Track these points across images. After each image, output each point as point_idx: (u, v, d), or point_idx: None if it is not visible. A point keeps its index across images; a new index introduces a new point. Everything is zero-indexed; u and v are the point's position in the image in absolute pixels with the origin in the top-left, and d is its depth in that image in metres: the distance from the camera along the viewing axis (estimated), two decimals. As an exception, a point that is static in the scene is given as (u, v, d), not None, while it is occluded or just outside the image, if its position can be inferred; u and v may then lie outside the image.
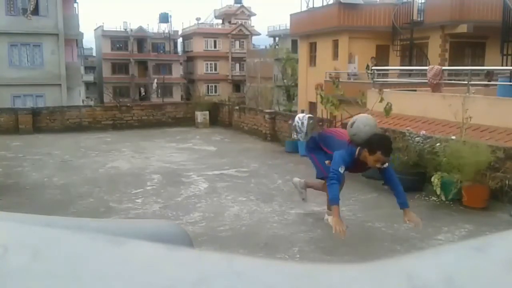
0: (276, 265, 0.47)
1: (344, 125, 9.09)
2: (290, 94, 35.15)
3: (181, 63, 51.82)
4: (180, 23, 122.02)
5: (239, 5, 55.31)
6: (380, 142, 4.36)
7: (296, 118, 10.00)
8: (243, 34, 51.22)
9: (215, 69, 50.44)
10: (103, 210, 5.85)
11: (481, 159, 5.52)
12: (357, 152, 4.44)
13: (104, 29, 48.52)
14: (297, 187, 5.72)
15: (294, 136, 9.89)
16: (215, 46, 50.70)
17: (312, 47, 23.93)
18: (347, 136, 4.65)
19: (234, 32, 50.67)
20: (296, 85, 28.39)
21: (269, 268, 0.46)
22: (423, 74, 12.73)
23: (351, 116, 9.64)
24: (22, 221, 0.96)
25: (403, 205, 4.52)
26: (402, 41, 20.64)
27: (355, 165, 4.55)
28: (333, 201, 4.33)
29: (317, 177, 5.20)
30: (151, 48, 49.50)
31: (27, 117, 13.30)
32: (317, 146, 5.07)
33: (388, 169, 4.52)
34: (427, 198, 6.09)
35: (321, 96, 9.24)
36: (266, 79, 39.78)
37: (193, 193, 6.59)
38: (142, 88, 48.68)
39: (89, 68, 50.87)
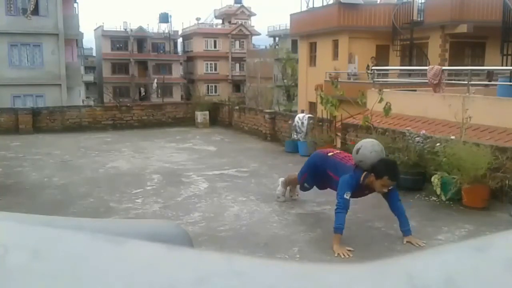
0: (276, 265, 0.47)
1: (343, 125, 9.11)
2: (290, 94, 35.19)
3: (181, 63, 51.82)
4: (180, 23, 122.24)
5: (239, 5, 55.31)
6: (387, 168, 4.40)
7: (296, 118, 10.01)
8: (243, 34, 51.22)
9: (215, 69, 50.44)
10: (103, 210, 5.85)
11: (481, 159, 5.52)
12: (362, 177, 4.46)
13: (104, 29, 48.52)
14: (281, 195, 5.98)
15: (294, 136, 9.90)
16: (215, 46, 50.70)
17: (312, 47, 23.93)
18: (351, 160, 4.66)
19: (234, 32, 50.67)
20: (296, 85, 28.40)
21: (269, 268, 0.46)
22: (423, 74, 12.73)
23: (351, 116, 9.70)
24: (22, 221, 0.96)
25: (406, 233, 4.56)
26: (402, 41, 20.64)
27: (360, 190, 4.57)
28: (337, 230, 4.35)
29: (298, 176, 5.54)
30: (151, 48, 49.50)
31: (27, 117, 13.30)
32: (318, 170, 5.05)
33: (394, 192, 4.55)
34: (427, 198, 6.09)
35: (321, 96, 9.25)
36: (266, 79, 39.80)
37: (193, 193, 6.59)
38: (142, 88, 48.69)
39: (89, 68, 50.89)
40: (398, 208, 4.58)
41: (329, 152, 5.09)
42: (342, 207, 4.36)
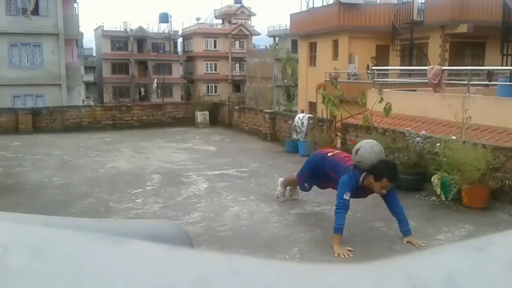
0: (276, 265, 0.47)
1: (344, 125, 9.10)
2: (290, 94, 35.19)
3: (181, 63, 51.82)
4: (180, 23, 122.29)
5: (239, 5, 55.30)
6: (386, 169, 4.38)
7: (296, 118, 10.01)
8: (243, 34, 51.22)
9: (215, 69, 50.44)
10: (103, 210, 5.85)
11: (481, 160, 5.52)
12: (361, 178, 4.45)
13: (104, 29, 48.51)
14: (281, 195, 5.99)
15: (294, 136, 9.90)
16: (215, 46, 50.69)
17: (312, 47, 23.93)
18: (351, 161, 4.66)
19: (234, 32, 50.66)
20: (296, 85, 28.39)
21: (269, 268, 0.46)
22: (423, 74, 12.73)
23: (351, 116, 9.69)
24: (22, 221, 0.96)
25: (406, 233, 4.55)
26: (402, 41, 20.64)
27: (360, 190, 4.56)
28: (337, 230, 4.34)
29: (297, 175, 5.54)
30: (151, 48, 49.49)
31: (27, 117, 13.30)
32: (318, 170, 5.06)
33: (392, 192, 4.54)
34: (427, 198, 6.09)
35: (322, 96, 9.25)
36: (266, 79, 39.80)
37: (193, 193, 6.59)
38: (142, 88, 48.68)
39: (89, 68, 50.87)
40: (396, 208, 4.57)
41: (329, 152, 5.09)
42: (342, 207, 4.36)
